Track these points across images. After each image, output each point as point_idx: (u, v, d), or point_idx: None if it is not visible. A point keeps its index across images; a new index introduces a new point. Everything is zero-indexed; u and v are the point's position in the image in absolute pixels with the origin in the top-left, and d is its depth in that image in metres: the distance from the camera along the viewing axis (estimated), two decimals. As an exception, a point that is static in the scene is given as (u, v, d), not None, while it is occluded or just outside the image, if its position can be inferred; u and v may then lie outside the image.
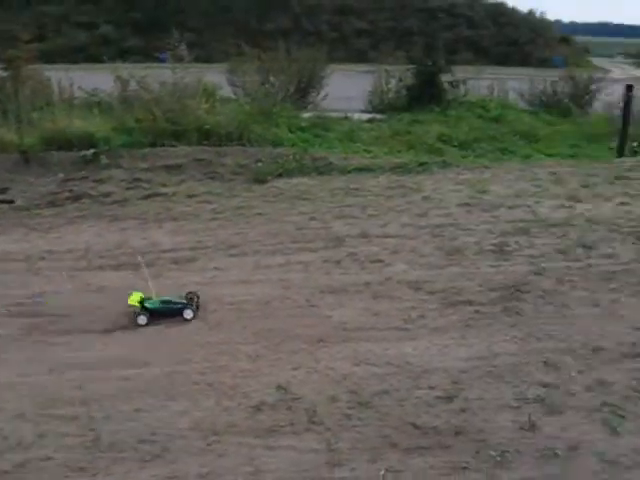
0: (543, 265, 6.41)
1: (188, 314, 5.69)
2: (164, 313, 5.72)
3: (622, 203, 8.12)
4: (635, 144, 12.31)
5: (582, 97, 18.08)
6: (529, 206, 8.06)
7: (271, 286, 6.03)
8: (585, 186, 8.86)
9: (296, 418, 4.13)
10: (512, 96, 18.55)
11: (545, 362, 4.78)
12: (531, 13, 50.22)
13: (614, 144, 12.35)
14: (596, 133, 14.24)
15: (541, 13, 51.13)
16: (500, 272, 6.27)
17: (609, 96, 16.40)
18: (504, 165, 10.63)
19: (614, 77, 27.83)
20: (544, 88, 18.21)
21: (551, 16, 66.76)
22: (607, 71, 33.66)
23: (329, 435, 3.97)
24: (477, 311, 5.55)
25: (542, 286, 5.98)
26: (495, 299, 5.75)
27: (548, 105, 17.81)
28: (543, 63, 38.31)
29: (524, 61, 41.13)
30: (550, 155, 12.39)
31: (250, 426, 4.04)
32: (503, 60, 40.91)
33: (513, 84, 19.14)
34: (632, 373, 4.66)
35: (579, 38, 62.23)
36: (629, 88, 12.17)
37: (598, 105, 17.49)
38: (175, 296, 5.86)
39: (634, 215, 7.61)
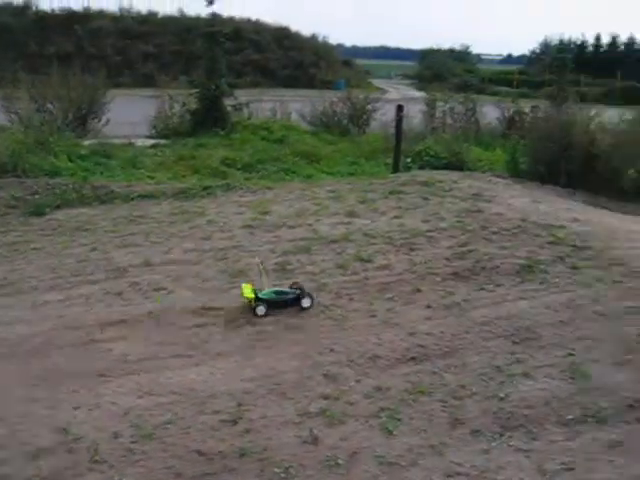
0: (323, 281, 6.61)
1: (306, 302, 6.04)
2: (279, 303, 6.04)
3: (396, 217, 8.52)
4: (409, 160, 13.07)
5: (360, 117, 18.96)
6: (310, 224, 8.26)
7: (50, 323, 5.74)
8: (362, 202, 9.23)
9: (77, 460, 3.96)
10: (295, 117, 19.11)
11: (326, 375, 4.94)
12: (314, 37, 51.97)
13: (390, 160, 13.00)
14: (373, 151, 14.99)
15: (324, 37, 53.01)
16: (282, 291, 6.39)
17: (384, 115, 17.35)
18: (286, 186, 10.85)
19: (390, 97, 29.44)
20: (324, 109, 18.91)
21: (333, 40, 69.28)
22: (384, 92, 35.64)
23: (113, 473, 3.85)
24: (260, 331, 5.63)
25: (322, 301, 6.16)
26: (277, 318, 5.86)
27: (328, 125, 18.50)
28: (327, 85, 39.71)
29: (309, 83, 42.47)
30: (331, 174, 12.85)
31: (28, 476, 3.81)
32: (292, 83, 42.11)
33: (296, 106, 19.71)
34: (406, 377, 4.94)
35: (361, 61, 65.22)
36: (399, 108, 12.88)
37: (375, 124, 18.40)
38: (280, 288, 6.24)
39: (407, 228, 8.03)
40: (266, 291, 6.12)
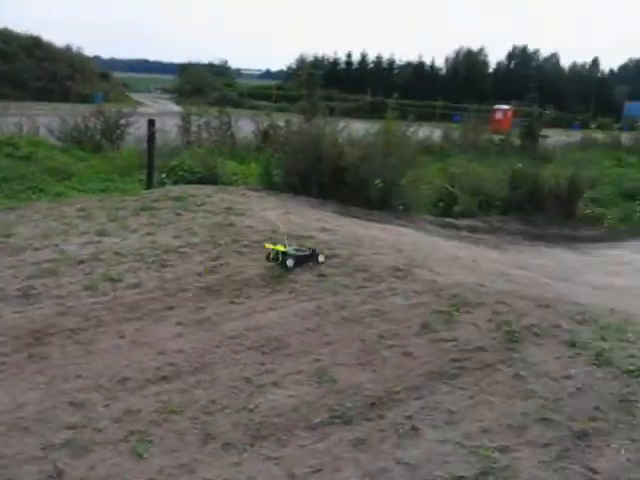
0: (69, 304, 6.31)
1: (322, 257, 7.38)
2: (302, 257, 7.25)
3: (148, 233, 8.38)
4: (163, 175, 12.93)
5: (113, 132, 18.48)
6: (57, 245, 7.86)
7: None
8: (113, 220, 8.97)
9: None
10: (44, 132, 18.22)
11: (72, 403, 4.71)
12: (68, 48, 50.16)
13: (145, 176, 12.78)
14: (128, 166, 14.70)
15: (78, 48, 51.27)
16: (25, 317, 6.00)
17: (137, 130, 17.04)
18: (33, 205, 10.27)
19: (149, 111, 28.98)
20: (76, 124, 18.21)
21: (90, 52, 67.38)
22: (142, 105, 35.10)
23: None
24: (1, 363, 5.27)
25: (68, 326, 5.87)
26: (19, 347, 5.49)
27: (80, 141, 17.84)
28: (84, 99, 38.41)
29: (65, 97, 40.85)
30: (83, 191, 12.42)
31: None
32: (45, 95, 40.23)
33: (46, 120, 18.78)
34: (157, 397, 4.83)
35: (120, 74, 63.93)
36: (151, 123, 12.70)
37: (131, 139, 18.03)
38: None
39: (158, 244, 7.91)
40: (289, 248, 7.25)
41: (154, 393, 4.90)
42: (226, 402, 4.78)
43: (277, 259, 7.16)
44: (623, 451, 4.05)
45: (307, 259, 7.30)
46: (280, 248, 7.19)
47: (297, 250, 7.35)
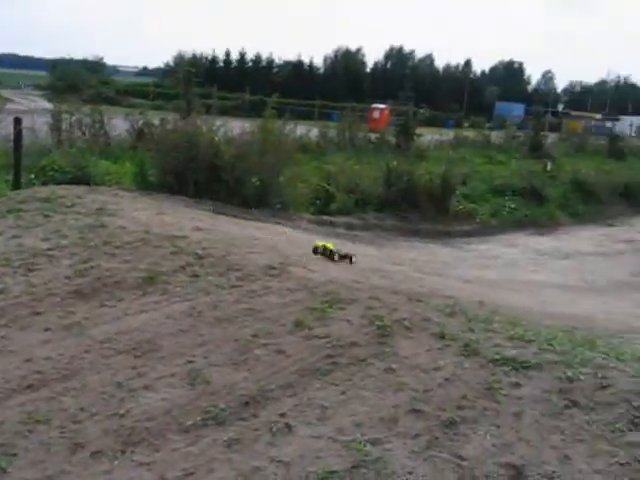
0: None
1: (355, 258, 9.00)
2: (341, 255, 8.88)
3: (14, 236, 8.05)
4: (32, 176, 12.42)
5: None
6: None
7: None
8: (-24, 223, 8.58)
9: None
10: None
11: None
12: None
13: (12, 177, 12.24)
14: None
15: None
16: None
17: (4, 129, 16.27)
18: None
19: (19, 109, 27.84)
20: None
21: (-50, 46, 64.48)
22: (10, 102, 33.62)
23: None
24: None
25: None
26: None
27: (-60, 139, 16.87)
28: (-54, 95, 36.46)
29: None
30: (-57, 193, 11.74)
31: None
32: None
33: None
34: (22, 407, 4.65)
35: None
36: (17, 121, 12.19)
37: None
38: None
39: (25, 247, 7.61)
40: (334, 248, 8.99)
41: (19, 403, 4.71)
42: (96, 409, 4.65)
43: (325, 253, 8.73)
44: (488, 437, 4.18)
45: (345, 257, 8.91)
46: (330, 245, 8.97)
47: (338, 250, 9.03)
